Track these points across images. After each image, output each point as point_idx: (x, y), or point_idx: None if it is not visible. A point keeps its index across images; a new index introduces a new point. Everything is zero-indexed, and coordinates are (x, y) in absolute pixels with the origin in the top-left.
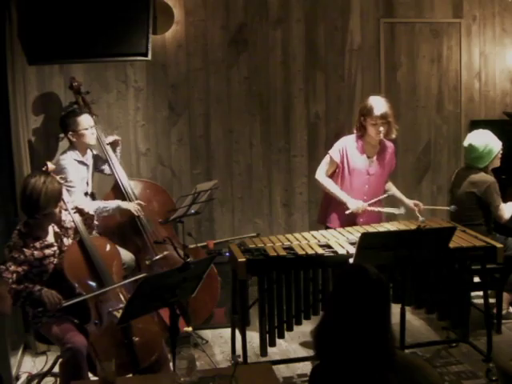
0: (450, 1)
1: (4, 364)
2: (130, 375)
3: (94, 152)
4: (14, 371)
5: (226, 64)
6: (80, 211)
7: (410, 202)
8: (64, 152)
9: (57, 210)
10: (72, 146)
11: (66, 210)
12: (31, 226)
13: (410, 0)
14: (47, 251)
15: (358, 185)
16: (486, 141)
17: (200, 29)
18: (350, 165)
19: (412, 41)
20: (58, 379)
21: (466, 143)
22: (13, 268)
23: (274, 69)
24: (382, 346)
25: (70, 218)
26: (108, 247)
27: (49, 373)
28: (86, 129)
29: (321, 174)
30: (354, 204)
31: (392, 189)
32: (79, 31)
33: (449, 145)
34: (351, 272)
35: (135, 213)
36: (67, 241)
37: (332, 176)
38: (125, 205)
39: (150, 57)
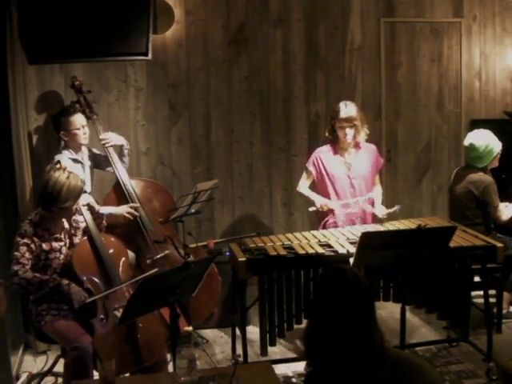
0: (450, 0)
1: (4, 364)
2: (127, 374)
3: (96, 151)
4: (14, 371)
5: (227, 63)
6: (91, 209)
7: (379, 208)
8: (59, 152)
9: (74, 205)
10: (66, 146)
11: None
12: (44, 217)
13: None
14: (55, 244)
15: (342, 190)
16: (486, 141)
17: (200, 28)
18: (329, 172)
19: (412, 40)
20: (60, 378)
21: (466, 142)
22: (28, 255)
23: (275, 68)
24: (369, 344)
25: (81, 219)
26: (116, 245)
27: (49, 372)
28: (78, 129)
29: (300, 186)
30: (319, 201)
31: (376, 193)
32: (79, 31)
33: (449, 144)
34: (329, 275)
35: (128, 215)
36: (75, 240)
37: (316, 187)
38: (117, 210)
39: (150, 56)
